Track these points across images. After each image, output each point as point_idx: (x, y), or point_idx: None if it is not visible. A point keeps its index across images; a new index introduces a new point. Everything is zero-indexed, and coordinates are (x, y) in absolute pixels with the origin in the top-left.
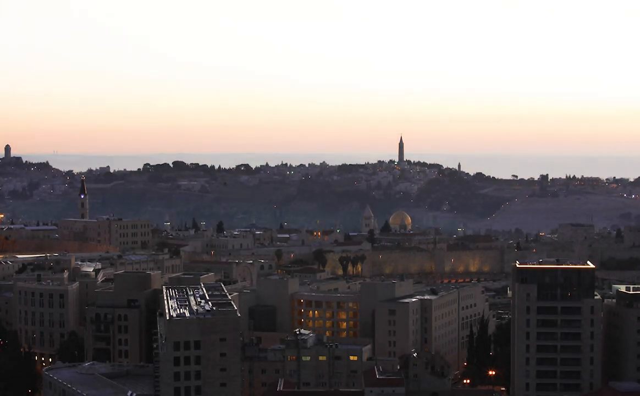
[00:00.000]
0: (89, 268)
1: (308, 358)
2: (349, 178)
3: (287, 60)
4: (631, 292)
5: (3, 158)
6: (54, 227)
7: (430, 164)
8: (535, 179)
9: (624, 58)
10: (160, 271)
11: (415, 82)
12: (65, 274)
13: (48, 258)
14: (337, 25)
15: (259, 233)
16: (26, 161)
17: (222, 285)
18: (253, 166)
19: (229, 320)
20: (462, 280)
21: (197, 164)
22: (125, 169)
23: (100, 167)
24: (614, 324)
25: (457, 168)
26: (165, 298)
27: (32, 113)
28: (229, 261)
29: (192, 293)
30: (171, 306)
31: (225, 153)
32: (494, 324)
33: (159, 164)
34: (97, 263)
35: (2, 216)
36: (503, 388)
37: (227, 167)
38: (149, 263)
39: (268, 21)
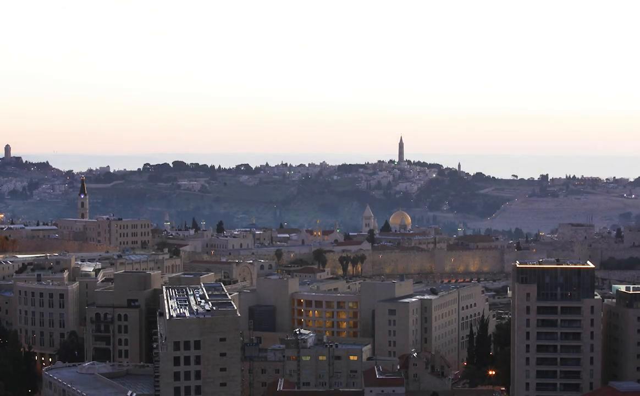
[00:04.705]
0: (89, 268)
1: (308, 358)
2: (349, 178)
3: (287, 61)
4: (631, 292)
5: (3, 158)
6: (54, 227)
7: (430, 164)
8: (535, 179)
9: (624, 58)
10: (160, 271)
11: (415, 82)
12: (65, 274)
13: (48, 258)
14: (335, 25)
15: (259, 233)
16: (26, 161)
17: (222, 285)
18: (253, 166)
19: (229, 320)
20: (462, 280)
21: (197, 164)
22: (125, 169)
23: (100, 167)
24: (614, 325)
25: (457, 168)
26: (165, 298)
27: (32, 113)
28: (229, 261)
29: (192, 293)
30: (171, 306)
31: (225, 153)
32: (494, 324)
33: (159, 164)
34: (97, 263)
35: (2, 216)
36: (503, 388)
37: (227, 167)
38: (149, 263)
39: (264, 21)
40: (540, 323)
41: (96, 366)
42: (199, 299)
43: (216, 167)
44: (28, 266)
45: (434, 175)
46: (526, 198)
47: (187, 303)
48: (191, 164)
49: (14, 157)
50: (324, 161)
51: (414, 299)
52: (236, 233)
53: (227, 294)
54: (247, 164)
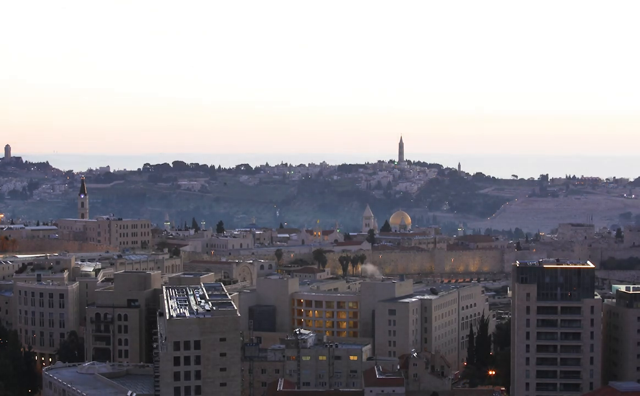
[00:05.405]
0: (89, 268)
1: (308, 358)
2: (349, 178)
3: (287, 61)
4: (631, 292)
5: (3, 158)
6: (54, 227)
7: (430, 164)
8: (535, 179)
9: (624, 58)
10: (160, 271)
11: (415, 82)
12: (65, 274)
13: (48, 258)
14: (336, 25)
15: (259, 233)
16: (26, 161)
17: (222, 285)
18: (253, 166)
19: (229, 320)
20: (462, 280)
21: (197, 164)
22: (125, 169)
23: (100, 167)
24: (614, 325)
25: (457, 168)
26: (165, 298)
27: (32, 113)
28: (229, 261)
29: (192, 293)
30: (171, 306)
31: (225, 153)
32: (494, 324)
33: (159, 164)
34: (97, 263)
35: (2, 216)
36: (503, 388)
37: (227, 167)
38: (149, 263)
39: (264, 21)
40: (540, 323)
41: (96, 366)
42: (199, 299)
43: (216, 167)
44: (28, 266)
45: (434, 175)
46: (526, 198)
47: (187, 303)
48: (191, 164)
49: (14, 157)
50: (324, 161)
51: (414, 299)
52: (236, 233)
53: (227, 294)
54: (247, 164)
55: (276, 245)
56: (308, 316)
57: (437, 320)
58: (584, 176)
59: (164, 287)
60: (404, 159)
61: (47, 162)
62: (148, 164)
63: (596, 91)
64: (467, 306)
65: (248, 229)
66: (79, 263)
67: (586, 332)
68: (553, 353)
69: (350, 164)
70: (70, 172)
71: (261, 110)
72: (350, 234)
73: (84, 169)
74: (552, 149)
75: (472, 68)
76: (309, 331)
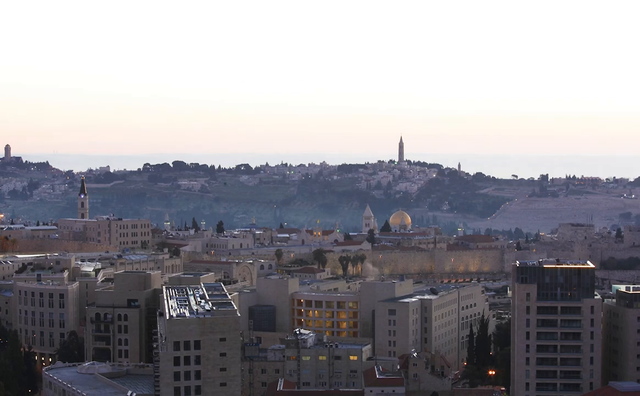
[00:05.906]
0: (89, 268)
1: (308, 358)
2: (349, 178)
3: (287, 62)
4: (631, 292)
5: (3, 158)
6: (54, 227)
7: (430, 164)
8: (535, 179)
9: (624, 59)
10: (160, 271)
11: (415, 82)
12: (65, 274)
13: (48, 258)
14: (336, 26)
15: (259, 233)
16: (26, 161)
17: (222, 285)
18: (253, 166)
19: (229, 320)
20: (462, 280)
21: (197, 164)
22: (125, 169)
23: (100, 167)
24: (614, 325)
25: (457, 168)
26: (165, 297)
27: (32, 113)
28: (229, 261)
29: (192, 293)
30: (171, 306)
31: (225, 153)
32: (494, 324)
33: (159, 164)
34: (97, 263)
35: (2, 216)
36: (503, 388)
37: (227, 167)
38: (149, 262)
39: (265, 22)
40: (540, 323)
41: (96, 366)
42: (199, 299)
43: (216, 167)
44: (28, 266)
45: (434, 175)
46: (526, 198)
47: (187, 303)
48: (191, 164)
49: (14, 157)
50: (324, 161)
51: (414, 299)
52: (236, 233)
53: (227, 294)
54: (247, 164)
55: (276, 245)
56: (308, 316)
57: (437, 320)
58: (584, 176)
59: (164, 287)
60: (404, 159)
61: (47, 162)
62: (148, 164)
63: (597, 92)
64: (467, 306)
65: (248, 229)
66: (79, 263)
67: (586, 332)
68: (553, 353)
69: (350, 164)
70: (70, 172)
71: (261, 110)
72: (350, 234)
73: (84, 169)
74: (552, 149)
75: (472, 68)
76: (309, 331)
